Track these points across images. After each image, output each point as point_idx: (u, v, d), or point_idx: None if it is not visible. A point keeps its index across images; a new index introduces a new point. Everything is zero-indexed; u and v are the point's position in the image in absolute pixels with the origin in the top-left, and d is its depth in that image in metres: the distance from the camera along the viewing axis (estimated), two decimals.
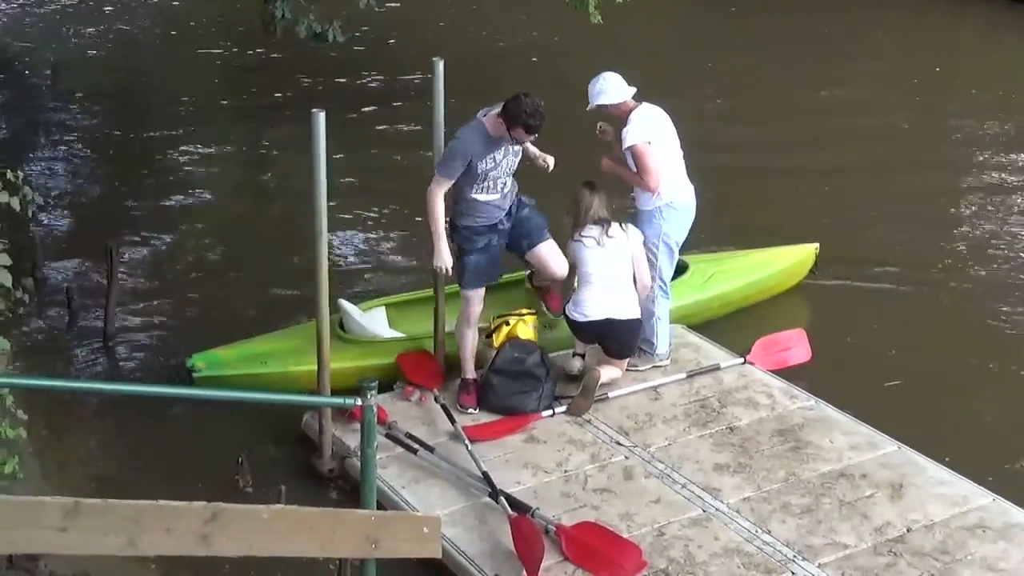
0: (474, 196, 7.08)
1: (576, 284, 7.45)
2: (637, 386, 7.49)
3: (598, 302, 7.31)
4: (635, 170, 7.43)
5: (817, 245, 9.31)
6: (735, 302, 8.84)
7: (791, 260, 9.23)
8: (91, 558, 5.16)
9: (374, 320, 7.92)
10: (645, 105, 7.47)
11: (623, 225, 7.38)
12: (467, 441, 6.78)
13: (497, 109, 6.91)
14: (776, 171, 11.87)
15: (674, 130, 7.57)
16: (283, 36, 10.96)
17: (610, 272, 7.31)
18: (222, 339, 7.99)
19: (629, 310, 7.35)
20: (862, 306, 9.24)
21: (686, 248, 8.07)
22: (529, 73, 14.19)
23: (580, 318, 7.36)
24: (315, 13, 10.73)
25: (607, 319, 7.31)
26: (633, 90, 7.44)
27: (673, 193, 7.49)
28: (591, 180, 7.48)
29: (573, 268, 7.45)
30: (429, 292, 7.71)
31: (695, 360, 7.83)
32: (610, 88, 7.38)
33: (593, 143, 7.72)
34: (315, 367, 6.91)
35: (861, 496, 6.45)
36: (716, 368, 7.73)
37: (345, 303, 8.01)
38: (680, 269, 8.57)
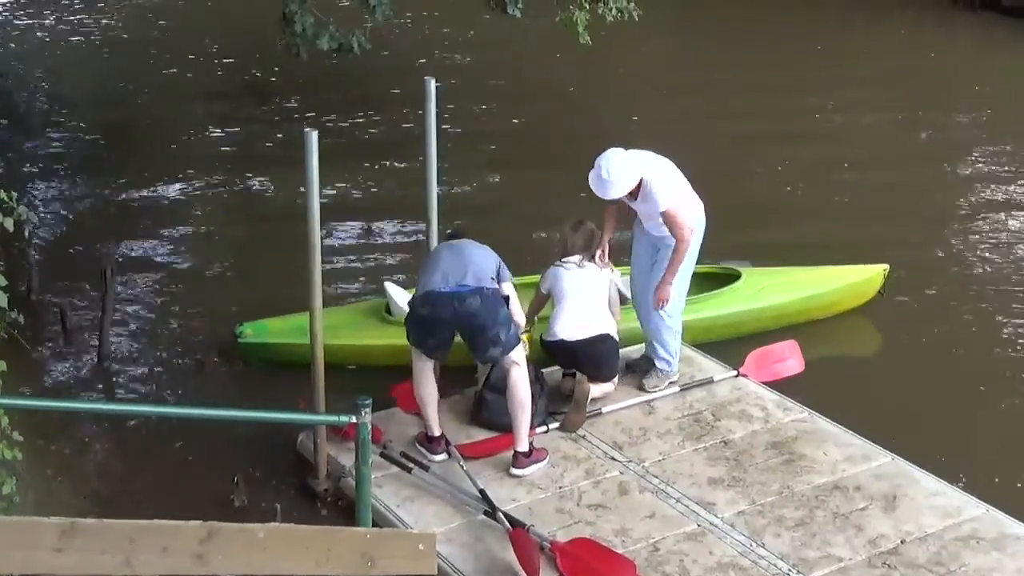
0: None
1: (552, 308, 7.53)
2: (631, 400, 7.52)
3: (568, 321, 7.37)
4: (668, 227, 7.31)
5: (887, 267, 9.22)
6: (789, 315, 8.83)
7: (855, 279, 9.18)
8: None
9: None
10: (649, 163, 7.26)
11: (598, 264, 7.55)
12: (461, 459, 6.80)
13: None
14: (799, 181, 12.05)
15: (670, 162, 7.50)
16: (308, 55, 10.81)
17: (584, 292, 7.40)
18: (221, 355, 8.10)
19: (600, 327, 7.38)
20: (858, 313, 9.28)
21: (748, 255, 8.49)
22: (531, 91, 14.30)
23: (551, 338, 7.42)
24: (335, 26, 10.71)
25: (577, 339, 7.35)
26: (645, 157, 7.28)
27: (694, 220, 7.43)
28: (579, 219, 7.59)
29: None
30: None
31: (688, 374, 7.85)
32: (624, 174, 7.10)
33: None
34: (359, 341, 8.10)
35: (855, 508, 6.47)
36: (709, 381, 7.75)
37: (391, 286, 8.35)
38: (733, 278, 8.78)
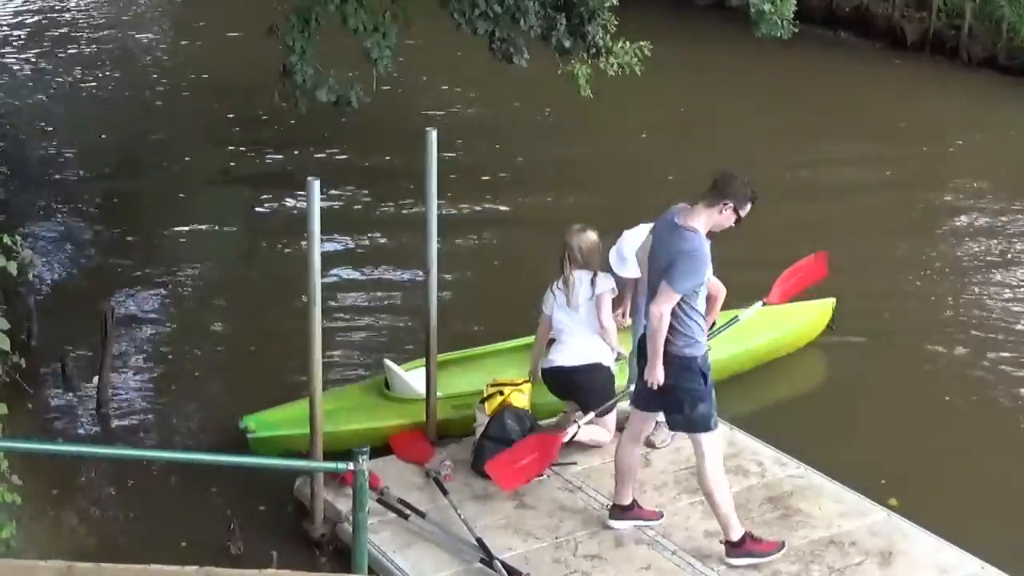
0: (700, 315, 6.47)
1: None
2: None
3: (556, 351, 7.43)
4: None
5: (834, 300, 9.41)
6: (761, 356, 8.96)
7: (810, 315, 9.36)
8: None
9: (418, 379, 7.93)
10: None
11: (594, 279, 7.37)
12: (458, 507, 6.82)
13: (701, 206, 6.25)
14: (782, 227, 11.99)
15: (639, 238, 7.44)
16: (307, 107, 10.84)
17: (567, 323, 7.40)
18: (218, 405, 8.03)
19: (584, 356, 7.33)
20: (845, 365, 9.35)
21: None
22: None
23: (547, 365, 7.48)
24: (334, 78, 10.79)
25: (564, 367, 7.38)
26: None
27: None
28: (584, 226, 7.47)
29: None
30: (471, 352, 8.07)
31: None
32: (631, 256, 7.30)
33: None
34: (365, 424, 7.70)
35: (850, 563, 6.47)
36: (735, 320, 7.95)
37: (390, 363, 8.20)
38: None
